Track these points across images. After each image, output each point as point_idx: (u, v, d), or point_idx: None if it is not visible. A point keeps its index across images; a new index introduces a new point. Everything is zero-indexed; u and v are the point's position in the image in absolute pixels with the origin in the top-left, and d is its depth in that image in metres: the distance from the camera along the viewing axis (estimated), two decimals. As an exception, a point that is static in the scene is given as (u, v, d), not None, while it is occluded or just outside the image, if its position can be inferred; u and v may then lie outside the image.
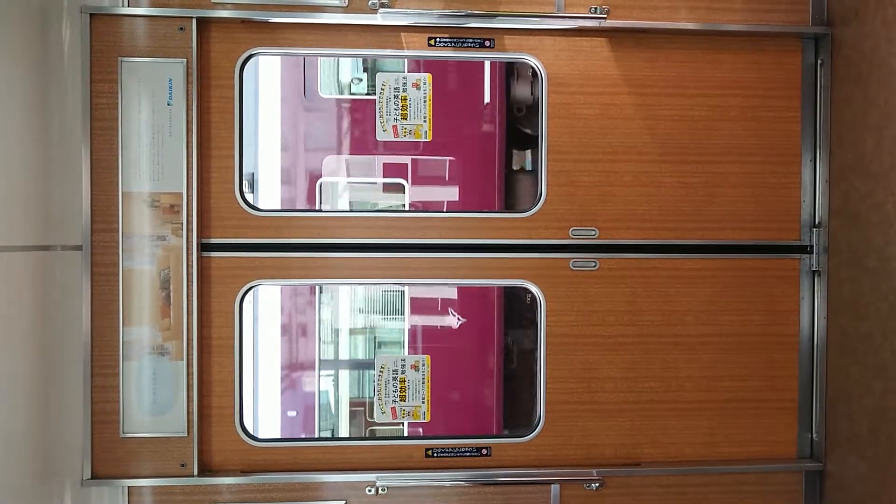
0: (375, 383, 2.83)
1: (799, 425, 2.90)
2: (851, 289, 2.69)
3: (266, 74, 3.89)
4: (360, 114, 3.86)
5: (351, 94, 4.09)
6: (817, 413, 2.87)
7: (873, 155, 2.58)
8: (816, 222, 2.87)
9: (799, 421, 2.90)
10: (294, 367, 4.02)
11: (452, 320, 3.64)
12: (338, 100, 3.93)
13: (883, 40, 2.53)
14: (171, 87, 2.62)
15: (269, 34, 2.71)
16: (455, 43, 2.76)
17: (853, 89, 2.70)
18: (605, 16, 2.72)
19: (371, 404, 3.91)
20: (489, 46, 2.78)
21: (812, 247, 2.87)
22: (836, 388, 2.79)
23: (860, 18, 2.66)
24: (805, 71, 2.87)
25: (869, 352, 2.59)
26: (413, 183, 3.74)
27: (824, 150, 2.84)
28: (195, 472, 2.65)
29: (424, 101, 2.80)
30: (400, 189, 3.78)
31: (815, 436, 2.88)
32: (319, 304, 4.06)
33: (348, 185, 3.92)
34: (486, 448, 2.82)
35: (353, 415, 4.28)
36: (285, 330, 3.98)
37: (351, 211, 2.78)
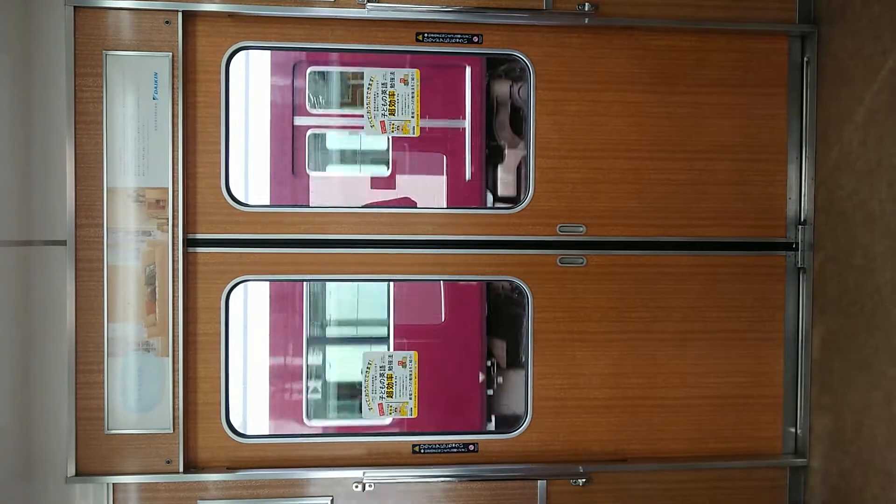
0: (362, 380, 2.83)
1: (784, 421, 2.92)
2: (836, 286, 2.71)
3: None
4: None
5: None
6: (802, 409, 2.89)
7: (859, 153, 2.60)
8: (802, 219, 2.89)
9: (784, 417, 2.92)
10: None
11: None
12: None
13: (869, 38, 2.54)
14: (156, 82, 2.60)
15: (257, 28, 2.69)
16: (443, 38, 2.76)
17: (839, 87, 2.71)
18: (593, 12, 2.72)
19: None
20: (477, 42, 2.77)
21: (798, 244, 2.89)
22: (821, 384, 2.81)
23: (846, 16, 2.67)
24: (792, 68, 2.89)
25: (853, 348, 2.61)
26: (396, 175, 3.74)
27: (810, 147, 2.86)
28: (181, 469, 2.64)
29: (412, 97, 2.79)
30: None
31: (799, 431, 2.90)
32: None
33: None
34: (473, 444, 2.82)
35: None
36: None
37: (338, 207, 2.75)
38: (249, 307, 3.63)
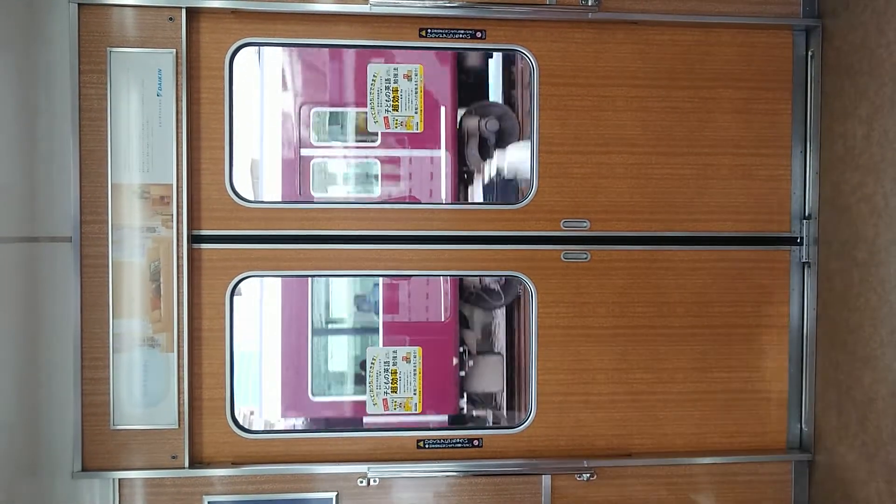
0: (367, 375, 2.83)
1: (788, 416, 2.92)
2: (841, 280, 2.71)
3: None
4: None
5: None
6: (807, 404, 2.89)
7: (863, 146, 2.59)
8: (807, 214, 2.88)
9: (788, 412, 2.92)
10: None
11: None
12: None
13: (873, 31, 2.54)
14: (160, 78, 2.61)
15: (260, 24, 2.69)
16: (446, 34, 2.76)
17: (843, 81, 2.70)
18: (596, 7, 2.72)
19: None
20: (480, 37, 2.77)
21: (802, 238, 2.88)
22: (826, 378, 2.81)
23: (850, 10, 2.67)
24: (796, 62, 2.88)
25: (858, 342, 2.61)
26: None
27: (815, 141, 2.85)
28: (186, 464, 2.65)
29: (416, 93, 2.80)
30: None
31: (804, 426, 2.90)
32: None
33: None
34: (478, 439, 2.82)
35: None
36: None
37: (342, 202, 2.77)
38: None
